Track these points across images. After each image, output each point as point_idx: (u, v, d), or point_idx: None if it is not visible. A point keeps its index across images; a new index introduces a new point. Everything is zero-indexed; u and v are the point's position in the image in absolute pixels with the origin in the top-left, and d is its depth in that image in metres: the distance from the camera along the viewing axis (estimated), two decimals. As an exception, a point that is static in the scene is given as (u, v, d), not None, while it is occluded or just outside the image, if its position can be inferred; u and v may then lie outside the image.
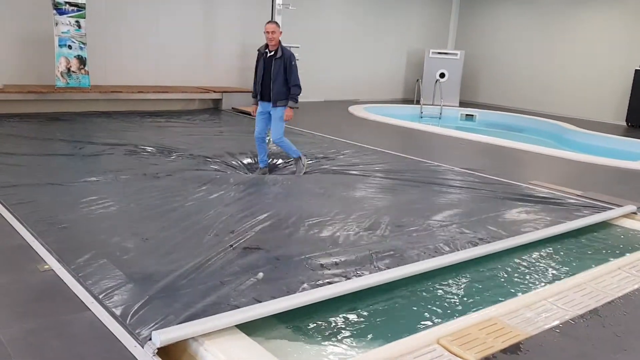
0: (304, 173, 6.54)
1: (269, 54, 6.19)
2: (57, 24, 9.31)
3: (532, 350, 2.98)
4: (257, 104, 6.45)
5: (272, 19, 11.65)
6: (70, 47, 9.47)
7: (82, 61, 9.63)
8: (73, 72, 9.58)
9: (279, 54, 6.14)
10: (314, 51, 13.55)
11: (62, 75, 9.50)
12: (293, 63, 6.19)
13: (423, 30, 16.23)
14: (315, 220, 4.87)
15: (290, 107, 6.34)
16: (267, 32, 6.09)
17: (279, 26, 6.16)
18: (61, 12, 9.29)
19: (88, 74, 9.73)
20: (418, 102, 14.21)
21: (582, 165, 8.14)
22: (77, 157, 6.74)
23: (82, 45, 9.58)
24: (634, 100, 12.55)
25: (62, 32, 9.37)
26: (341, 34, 14.39)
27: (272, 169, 7.01)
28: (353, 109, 12.69)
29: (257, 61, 6.30)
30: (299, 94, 6.35)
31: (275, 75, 6.14)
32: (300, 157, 6.56)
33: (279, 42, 6.17)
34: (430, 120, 13.37)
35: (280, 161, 7.19)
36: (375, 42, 15.15)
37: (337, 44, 14.35)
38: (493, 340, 3.03)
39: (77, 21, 9.45)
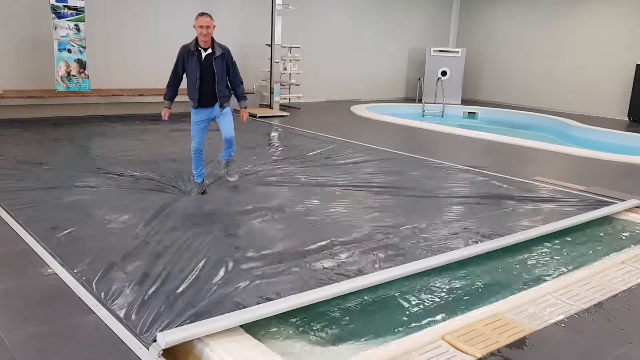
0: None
1: (204, 53, 5.25)
2: (56, 28, 9.32)
3: (537, 345, 2.97)
4: (169, 107, 5.48)
5: (272, 19, 11.65)
6: (69, 50, 9.48)
7: (82, 65, 9.64)
8: (73, 76, 9.59)
9: (218, 51, 5.28)
10: (314, 51, 13.55)
11: (62, 80, 9.51)
12: (234, 60, 5.44)
13: (424, 28, 16.21)
14: (317, 220, 4.87)
15: (245, 108, 5.59)
16: (201, 27, 5.12)
17: (213, 19, 5.22)
18: (60, 16, 9.30)
19: (88, 78, 9.74)
20: (420, 101, 14.18)
21: (584, 160, 8.12)
22: (79, 162, 6.75)
23: (81, 49, 9.59)
24: (635, 95, 12.51)
25: (62, 36, 9.38)
26: (342, 33, 14.38)
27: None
28: (355, 109, 12.68)
29: (186, 62, 5.28)
30: None
31: (220, 76, 5.31)
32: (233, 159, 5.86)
33: (212, 37, 5.30)
34: (433, 118, 13.35)
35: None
36: (376, 41, 15.14)
37: (338, 43, 14.34)
38: (498, 335, 3.02)
39: (76, 25, 9.46)
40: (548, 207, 5.51)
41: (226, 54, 5.34)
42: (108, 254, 3.92)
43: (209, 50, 5.26)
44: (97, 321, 3.04)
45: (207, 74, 5.28)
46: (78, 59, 9.62)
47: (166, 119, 5.49)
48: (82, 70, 9.67)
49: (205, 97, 5.35)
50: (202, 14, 5.20)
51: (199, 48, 5.25)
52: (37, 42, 9.71)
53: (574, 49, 13.97)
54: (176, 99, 5.54)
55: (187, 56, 5.28)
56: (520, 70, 15.10)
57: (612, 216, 5.43)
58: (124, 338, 2.87)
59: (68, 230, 4.37)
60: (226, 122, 5.52)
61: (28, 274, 3.60)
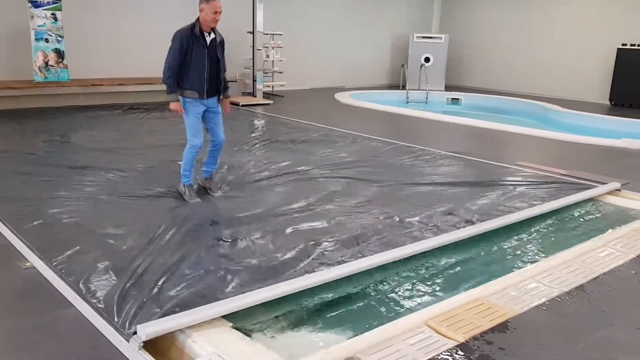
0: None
1: (209, 38, 4.87)
2: (32, 17, 9.13)
3: (520, 329, 2.99)
4: (179, 100, 4.88)
5: (253, 6, 11.51)
6: (47, 40, 9.30)
7: (60, 55, 9.47)
8: (51, 66, 9.42)
9: (219, 37, 4.95)
10: (297, 38, 13.44)
11: (40, 70, 9.34)
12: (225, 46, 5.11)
13: (407, 14, 16.15)
14: (300, 208, 4.85)
15: (228, 98, 5.32)
16: (216, 13, 4.77)
17: None
18: (36, 5, 9.11)
19: (67, 68, 9.57)
20: (404, 88, 14.17)
21: (566, 144, 8.17)
22: (58, 153, 6.66)
23: (59, 38, 9.41)
24: (616, 79, 12.61)
25: (38, 26, 9.20)
26: (325, 20, 14.27)
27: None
28: (339, 96, 12.63)
29: (190, 47, 4.78)
30: None
31: (223, 63, 5.01)
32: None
33: None
34: (417, 105, 13.34)
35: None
36: (359, 27, 15.05)
37: (321, 30, 14.24)
38: (481, 320, 3.04)
39: (53, 14, 9.27)
40: (530, 191, 5.54)
41: (223, 41, 5.03)
42: (88, 247, 3.87)
43: (212, 35, 4.89)
44: (76, 314, 3.00)
45: (213, 61, 4.91)
46: (56, 49, 9.45)
47: (180, 112, 4.89)
48: (61, 60, 9.50)
49: (211, 87, 4.94)
50: None
51: (204, 33, 4.84)
52: (14, 32, 9.49)
53: (555, 34, 14.01)
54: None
55: (192, 41, 4.78)
56: (502, 55, 15.13)
57: (593, 199, 5.47)
58: (104, 331, 2.83)
59: (46, 222, 4.31)
60: (219, 123, 5.14)
61: (6, 268, 3.54)
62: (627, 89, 12.46)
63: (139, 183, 5.46)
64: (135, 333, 2.73)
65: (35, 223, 4.29)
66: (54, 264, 3.56)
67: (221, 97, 5.17)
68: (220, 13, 4.82)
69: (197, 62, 4.82)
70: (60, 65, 9.50)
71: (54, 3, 9.23)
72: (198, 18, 4.85)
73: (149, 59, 11.14)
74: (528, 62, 14.59)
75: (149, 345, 2.72)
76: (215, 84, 5.00)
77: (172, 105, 4.88)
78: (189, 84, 4.86)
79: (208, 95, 4.94)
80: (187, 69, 4.83)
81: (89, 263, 3.59)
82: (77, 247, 3.83)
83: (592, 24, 13.29)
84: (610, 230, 4.64)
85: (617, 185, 5.72)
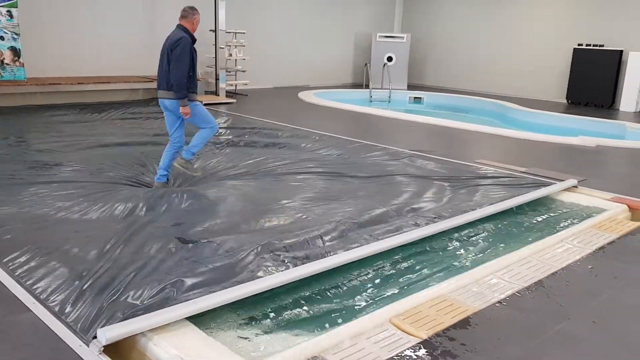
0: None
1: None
2: (-14, 14, 8.85)
3: (481, 324, 3.05)
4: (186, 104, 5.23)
5: (215, 4, 11.43)
6: (2, 38, 9.01)
7: (16, 53, 9.19)
8: (7, 64, 9.13)
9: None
10: (260, 37, 13.38)
11: (-5, 68, 9.06)
12: None
13: (370, 14, 16.27)
14: (263, 209, 4.82)
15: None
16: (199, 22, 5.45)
17: None
18: (-10, 2, 8.84)
19: (23, 66, 9.30)
20: (367, 87, 14.27)
21: (525, 142, 8.36)
22: (13, 153, 6.46)
23: (15, 36, 9.13)
24: (573, 78, 12.97)
25: (-7, 23, 8.92)
26: (288, 18, 14.25)
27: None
28: (303, 95, 12.63)
29: (191, 52, 5.19)
30: None
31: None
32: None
33: None
34: (380, 104, 13.46)
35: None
36: (322, 27, 15.09)
37: (284, 29, 14.22)
38: (443, 316, 3.08)
39: (8, 11, 8.99)
40: (490, 189, 5.64)
41: None
42: (45, 248, 3.76)
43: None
44: (34, 319, 2.93)
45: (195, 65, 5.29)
46: (12, 47, 9.16)
47: (188, 116, 5.27)
48: (17, 58, 9.22)
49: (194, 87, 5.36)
50: (197, 10, 5.47)
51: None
52: (-34, 29, 9.19)
53: (514, 34, 14.32)
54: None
55: (191, 46, 5.19)
56: (463, 55, 15.38)
57: (551, 196, 5.61)
58: (63, 336, 2.77)
59: (3, 226, 4.17)
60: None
61: (-41, 274, 3.42)
62: (583, 87, 12.84)
63: (98, 183, 5.34)
64: (95, 337, 2.68)
65: (-10, 226, 4.16)
66: (10, 267, 3.46)
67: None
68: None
69: (194, 67, 5.25)
70: (17, 63, 9.23)
71: (9, 0, 8.95)
72: (186, 28, 5.27)
73: (108, 57, 10.95)
74: (488, 62, 14.87)
75: (110, 350, 2.67)
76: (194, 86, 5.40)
77: (184, 110, 5.19)
78: (191, 87, 5.26)
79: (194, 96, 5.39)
80: (189, 75, 5.19)
81: (47, 266, 3.50)
82: (35, 250, 3.72)
83: (550, 25, 13.63)
84: (567, 227, 4.76)
85: (574, 182, 5.88)
